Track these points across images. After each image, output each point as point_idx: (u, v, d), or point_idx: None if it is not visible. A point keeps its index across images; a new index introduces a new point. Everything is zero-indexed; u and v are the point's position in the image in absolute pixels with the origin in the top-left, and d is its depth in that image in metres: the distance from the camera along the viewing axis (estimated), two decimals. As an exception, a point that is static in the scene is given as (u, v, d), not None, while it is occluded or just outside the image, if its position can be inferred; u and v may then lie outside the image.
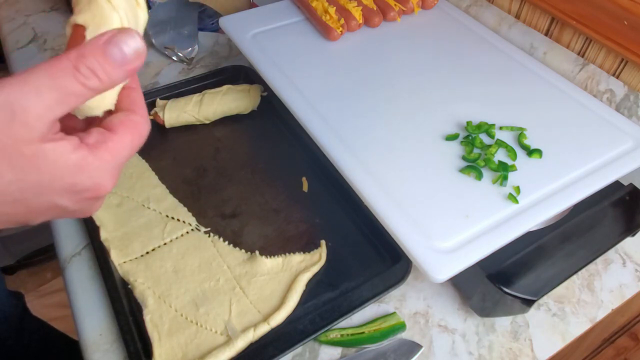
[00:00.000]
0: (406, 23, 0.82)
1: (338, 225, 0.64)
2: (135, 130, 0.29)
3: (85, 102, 0.26)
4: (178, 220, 0.63)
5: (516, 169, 0.57)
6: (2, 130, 0.22)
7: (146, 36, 0.94)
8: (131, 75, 0.27)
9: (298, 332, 0.53)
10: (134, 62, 0.25)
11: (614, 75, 0.69)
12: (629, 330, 0.85)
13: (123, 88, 0.29)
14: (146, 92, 0.80)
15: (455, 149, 0.60)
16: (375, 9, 0.80)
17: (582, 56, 0.72)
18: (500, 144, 0.60)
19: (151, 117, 0.76)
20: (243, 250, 0.60)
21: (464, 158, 0.59)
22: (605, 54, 0.69)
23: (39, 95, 0.23)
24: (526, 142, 0.60)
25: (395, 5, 0.81)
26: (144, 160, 0.70)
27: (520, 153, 0.59)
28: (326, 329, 0.53)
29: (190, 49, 0.92)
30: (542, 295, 0.52)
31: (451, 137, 0.61)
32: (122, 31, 0.24)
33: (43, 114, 0.23)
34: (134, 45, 0.25)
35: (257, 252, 0.59)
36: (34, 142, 0.24)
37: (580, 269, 0.56)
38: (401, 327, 0.56)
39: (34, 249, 1.54)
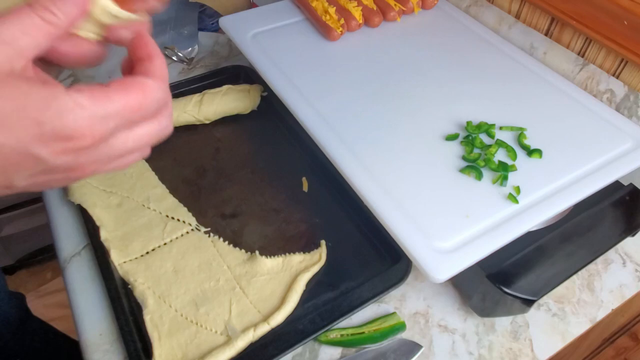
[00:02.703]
0: (406, 23, 0.82)
1: (338, 225, 0.64)
2: (130, 86, 0.27)
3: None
4: (178, 220, 0.63)
5: (516, 169, 0.57)
6: None
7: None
8: (81, 11, 0.28)
9: (298, 332, 0.53)
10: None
11: (614, 75, 0.69)
12: (629, 330, 0.85)
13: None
14: (146, 92, 0.79)
15: (455, 149, 0.60)
16: (375, 9, 0.80)
17: (582, 56, 0.72)
18: (500, 144, 0.60)
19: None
20: (243, 250, 0.60)
21: (464, 158, 0.59)
22: (605, 54, 0.69)
23: (7, 28, 0.25)
24: (526, 142, 0.60)
25: (395, 5, 0.81)
26: (144, 160, 0.70)
27: (520, 153, 0.59)
28: (326, 329, 0.53)
29: (190, 49, 0.93)
30: (542, 295, 0.52)
31: (451, 137, 0.61)
32: None
33: (11, 46, 0.25)
34: None
35: (257, 252, 0.59)
36: (3, 75, 0.24)
37: (580, 269, 0.56)
38: (401, 327, 0.56)
39: (34, 249, 1.54)
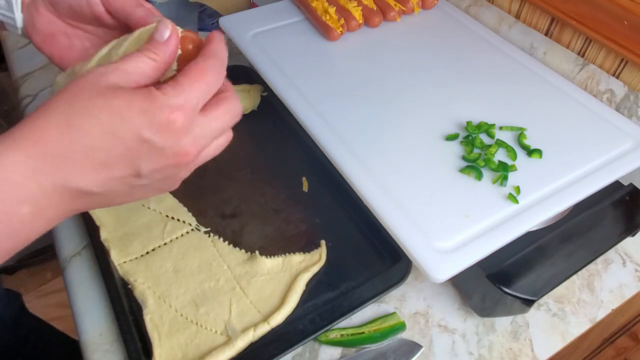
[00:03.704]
0: (406, 23, 0.82)
1: (338, 225, 0.64)
2: (199, 70, 0.34)
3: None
4: (178, 220, 0.63)
5: (516, 169, 0.57)
6: (101, 79, 0.32)
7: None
8: (173, 50, 0.36)
9: (298, 332, 0.53)
10: (171, 41, 0.35)
11: (614, 75, 0.69)
12: (629, 330, 0.85)
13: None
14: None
15: (455, 149, 0.60)
16: (375, 9, 0.80)
17: (582, 56, 0.72)
18: (500, 144, 0.60)
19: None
20: (243, 250, 0.60)
21: (464, 158, 0.59)
22: (605, 54, 0.69)
23: (126, 63, 0.33)
24: (526, 142, 0.60)
25: (395, 5, 0.81)
26: (144, 160, 0.70)
27: (520, 153, 0.59)
28: (326, 329, 0.53)
29: (190, 49, 0.92)
30: (542, 295, 0.52)
31: (451, 137, 0.61)
32: (160, 22, 0.36)
33: (127, 74, 0.33)
34: (167, 31, 0.36)
35: (257, 252, 0.59)
36: (115, 88, 0.32)
37: (580, 269, 0.56)
38: (401, 327, 0.56)
39: (34, 249, 1.54)
